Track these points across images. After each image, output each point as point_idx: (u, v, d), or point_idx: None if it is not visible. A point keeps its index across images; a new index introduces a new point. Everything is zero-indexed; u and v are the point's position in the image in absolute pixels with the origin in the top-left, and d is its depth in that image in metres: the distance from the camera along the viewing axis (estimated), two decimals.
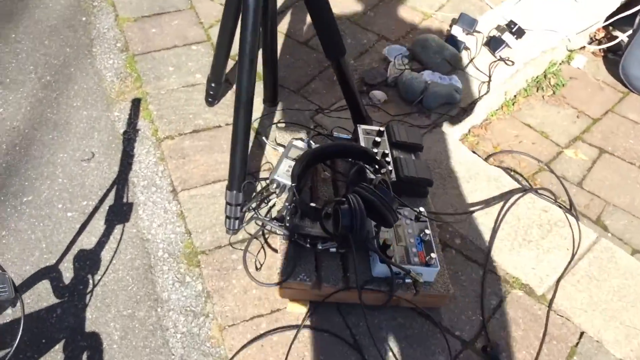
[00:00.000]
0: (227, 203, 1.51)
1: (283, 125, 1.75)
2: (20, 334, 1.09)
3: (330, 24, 1.50)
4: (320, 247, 1.38)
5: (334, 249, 1.38)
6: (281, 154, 1.56)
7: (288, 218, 1.39)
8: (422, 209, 1.47)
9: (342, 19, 2.36)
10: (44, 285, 1.47)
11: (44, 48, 2.14)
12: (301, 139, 1.63)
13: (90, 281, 1.49)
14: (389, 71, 2.08)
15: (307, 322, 1.40)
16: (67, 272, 1.50)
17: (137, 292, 1.47)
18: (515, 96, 2.33)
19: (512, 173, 2.02)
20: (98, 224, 1.61)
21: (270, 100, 1.81)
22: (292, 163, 1.50)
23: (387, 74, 2.07)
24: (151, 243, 1.57)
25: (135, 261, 1.53)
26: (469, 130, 2.16)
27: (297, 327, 1.38)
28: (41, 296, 1.45)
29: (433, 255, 1.35)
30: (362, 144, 1.59)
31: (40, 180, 1.71)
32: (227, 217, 1.54)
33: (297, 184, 1.40)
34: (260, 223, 1.50)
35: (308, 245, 1.37)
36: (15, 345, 1.10)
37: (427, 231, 1.41)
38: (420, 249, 1.38)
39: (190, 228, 1.60)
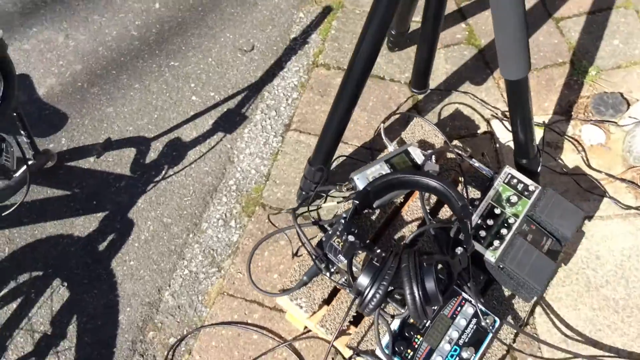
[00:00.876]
0: (303, 175, 1.31)
1: (421, 122, 1.36)
2: (23, 198, 1.15)
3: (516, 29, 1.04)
4: (339, 284, 1.12)
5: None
6: (384, 154, 1.26)
7: (330, 232, 1.15)
8: (496, 321, 1.07)
9: None
10: (130, 153, 1.51)
11: None
12: (430, 148, 1.29)
13: (163, 172, 1.48)
14: (635, 108, 1.48)
15: (295, 344, 1.21)
16: (153, 153, 1.51)
17: (188, 206, 1.43)
18: None
19: None
20: (206, 122, 1.56)
21: (419, 85, 1.43)
22: (386, 168, 1.21)
23: (625, 110, 1.48)
24: (232, 167, 1.48)
25: (208, 176, 1.47)
26: None
27: (281, 343, 1.20)
28: (121, 162, 1.50)
29: None
30: (492, 194, 1.19)
31: (194, 52, 1.70)
32: (300, 187, 1.34)
33: (362, 202, 1.12)
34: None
35: (327, 275, 1.13)
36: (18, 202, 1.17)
37: (473, 351, 1.03)
38: None
39: (272, 173, 1.45)
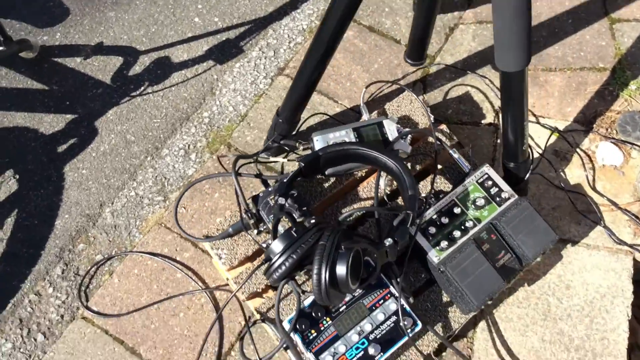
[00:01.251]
0: (271, 124, 1.21)
1: (411, 97, 1.22)
2: None
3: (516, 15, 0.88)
4: (260, 244, 1.04)
5: None
6: (358, 120, 1.14)
7: (270, 189, 1.06)
8: (417, 324, 0.96)
9: None
10: (116, 62, 1.46)
11: None
12: (410, 127, 1.16)
13: (142, 88, 1.42)
14: None
15: (216, 293, 1.15)
16: (139, 67, 1.45)
17: (155, 128, 1.36)
18: None
19: None
20: (201, 47, 1.48)
21: (414, 56, 1.28)
22: (352, 137, 1.10)
23: None
24: (212, 99, 1.40)
25: (184, 103, 1.40)
26: None
27: (202, 289, 1.14)
28: (105, 69, 1.45)
29: None
30: (459, 190, 1.07)
31: None
32: (267, 137, 1.25)
33: (309, 166, 1.02)
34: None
35: (253, 231, 1.05)
36: None
37: (380, 349, 0.94)
38: (350, 356, 0.94)
39: (249, 115, 1.36)
